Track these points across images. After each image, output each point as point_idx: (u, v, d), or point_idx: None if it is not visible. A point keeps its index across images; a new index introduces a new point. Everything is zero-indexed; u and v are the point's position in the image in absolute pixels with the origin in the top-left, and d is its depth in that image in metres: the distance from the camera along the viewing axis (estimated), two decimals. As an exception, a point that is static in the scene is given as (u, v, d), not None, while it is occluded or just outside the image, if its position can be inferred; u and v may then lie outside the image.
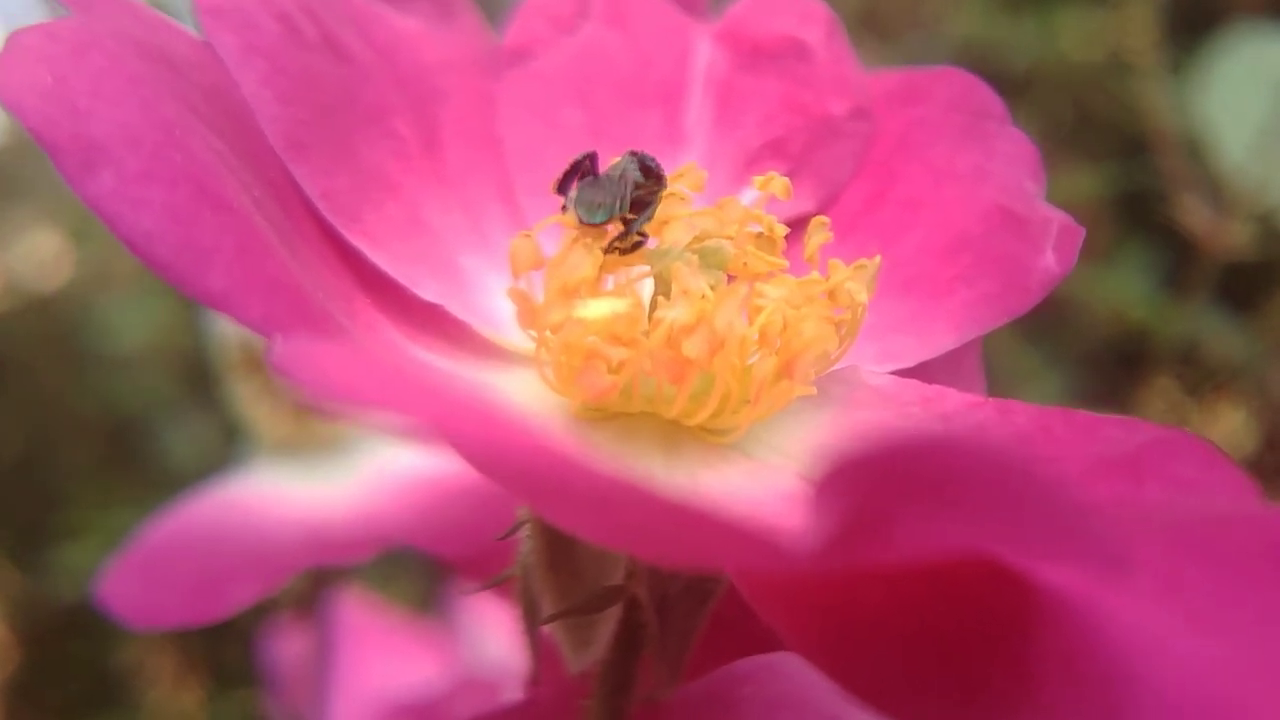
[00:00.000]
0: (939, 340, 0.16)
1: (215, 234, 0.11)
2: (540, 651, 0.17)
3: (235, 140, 0.13)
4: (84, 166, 0.10)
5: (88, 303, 0.81)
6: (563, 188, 0.15)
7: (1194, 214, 0.47)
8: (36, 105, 0.10)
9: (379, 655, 0.41)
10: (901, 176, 0.18)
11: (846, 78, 0.19)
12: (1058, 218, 0.17)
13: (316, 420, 0.31)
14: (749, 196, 0.16)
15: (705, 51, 0.19)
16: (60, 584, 0.66)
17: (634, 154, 0.14)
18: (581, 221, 0.14)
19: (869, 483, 0.07)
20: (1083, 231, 0.16)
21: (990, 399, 0.14)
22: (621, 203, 0.14)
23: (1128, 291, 0.56)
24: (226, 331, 0.33)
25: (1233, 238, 0.47)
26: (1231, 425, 0.61)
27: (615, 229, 0.14)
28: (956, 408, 0.14)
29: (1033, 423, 0.13)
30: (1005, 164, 0.18)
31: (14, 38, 0.11)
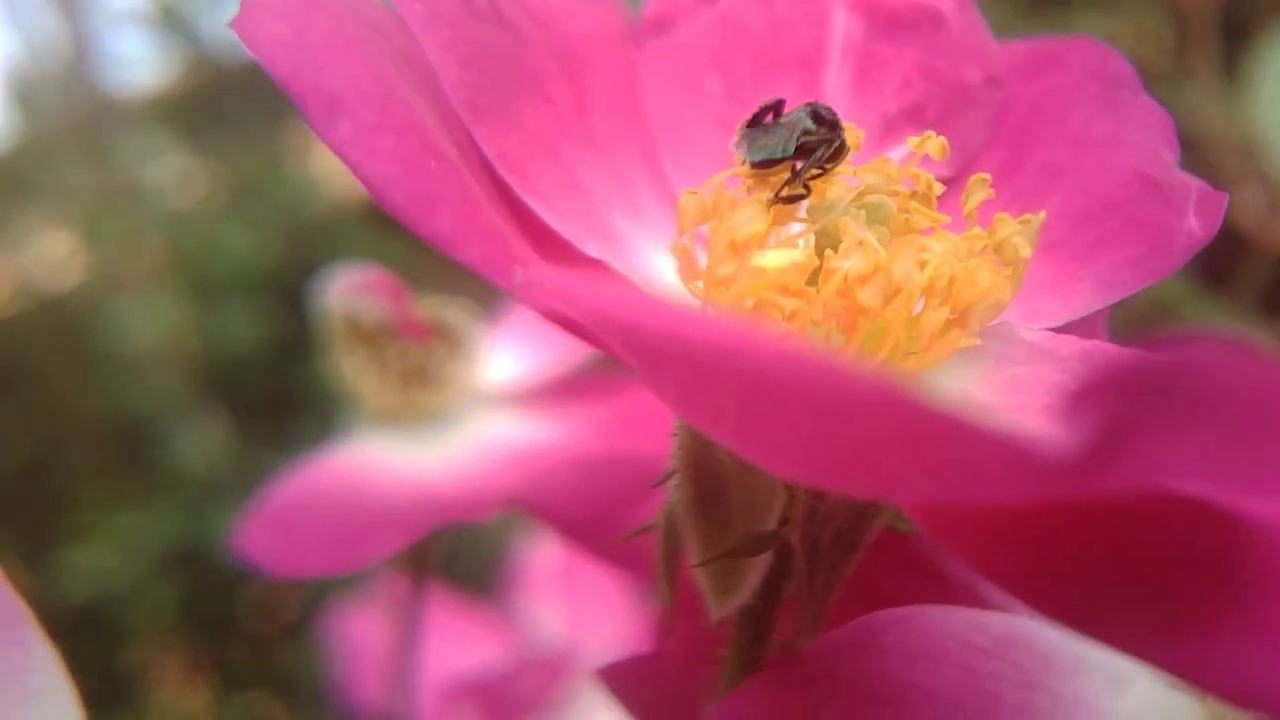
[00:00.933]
0: (1085, 301, 0.16)
1: (440, 181, 0.11)
2: (677, 602, 0.18)
3: (428, 101, 0.14)
4: (327, 116, 0.11)
5: (97, 305, 0.81)
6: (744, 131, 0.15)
7: (1244, 211, 0.47)
8: (284, 57, 0.11)
9: (443, 637, 0.42)
10: (1038, 143, 0.18)
11: (980, 46, 0.19)
12: (1196, 184, 0.17)
13: (421, 392, 0.32)
14: (898, 155, 0.17)
15: (842, 20, 0.19)
16: (69, 584, 0.67)
17: (810, 103, 0.15)
18: (746, 162, 0.15)
19: (1125, 400, 0.08)
20: (1226, 197, 0.17)
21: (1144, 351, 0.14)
22: (786, 146, 0.15)
23: (1173, 288, 0.56)
24: (331, 305, 0.34)
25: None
26: None
27: (782, 175, 0.15)
28: (1115, 358, 0.14)
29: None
30: (1142, 132, 0.18)
31: (250, -1, 0.12)
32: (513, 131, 0.16)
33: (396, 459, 0.29)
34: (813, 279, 0.14)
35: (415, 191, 0.11)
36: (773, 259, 0.13)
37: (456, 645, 0.44)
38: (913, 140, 0.16)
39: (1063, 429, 0.08)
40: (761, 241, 0.14)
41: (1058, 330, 0.16)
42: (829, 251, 0.14)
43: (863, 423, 0.09)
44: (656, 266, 0.16)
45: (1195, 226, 0.17)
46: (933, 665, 0.17)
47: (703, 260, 0.15)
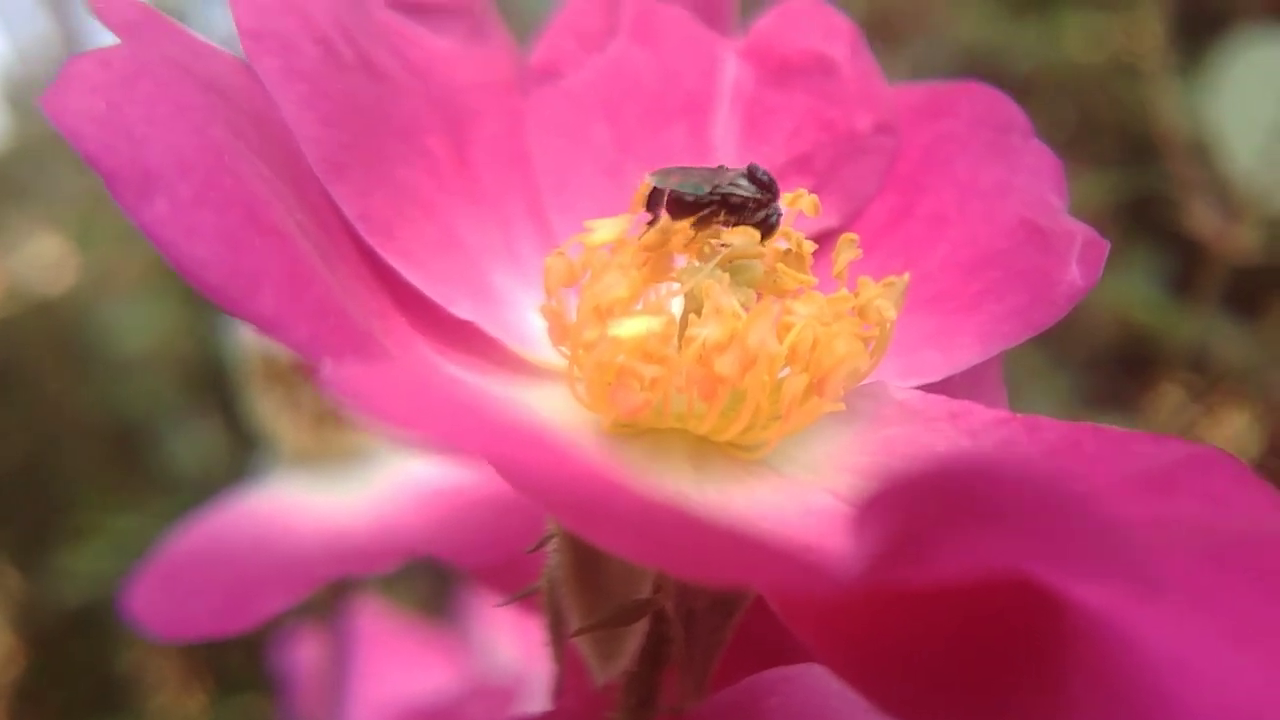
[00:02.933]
0: (965, 355, 0.16)
1: (264, 258, 0.11)
2: (566, 663, 0.17)
3: (278, 163, 0.13)
4: (140, 193, 0.11)
5: (91, 307, 0.81)
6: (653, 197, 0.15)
7: (1202, 218, 0.47)
8: (93, 133, 0.11)
9: (392, 661, 0.42)
10: (927, 191, 0.18)
11: (872, 93, 0.19)
12: (1081, 231, 0.17)
13: (336, 431, 0.32)
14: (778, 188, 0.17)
15: (732, 67, 0.19)
16: (64, 588, 0.66)
17: (750, 165, 0.15)
18: (674, 193, 0.15)
19: (912, 506, 0.07)
20: (1107, 245, 0.17)
21: (1017, 415, 0.14)
22: (700, 186, 0.14)
23: (1134, 295, 0.56)
24: (247, 343, 0.34)
25: (1241, 242, 0.46)
26: (1236, 429, 0.61)
27: (681, 222, 0.15)
28: (984, 423, 0.14)
29: (1062, 439, 0.13)
30: (1029, 178, 0.18)
31: (68, 67, 0.11)
32: (380, 189, 0.15)
33: (304, 503, 0.29)
34: (678, 344, 0.14)
35: (234, 271, 0.11)
36: (629, 328, 0.13)
37: (408, 670, 0.43)
38: (787, 197, 0.16)
39: (853, 538, 0.08)
40: (626, 306, 0.14)
41: (940, 383, 0.16)
42: (693, 316, 0.14)
43: (658, 540, 0.08)
44: (530, 325, 0.16)
45: (1076, 276, 0.16)
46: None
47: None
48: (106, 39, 0.13)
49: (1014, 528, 0.08)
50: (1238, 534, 0.10)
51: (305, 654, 0.41)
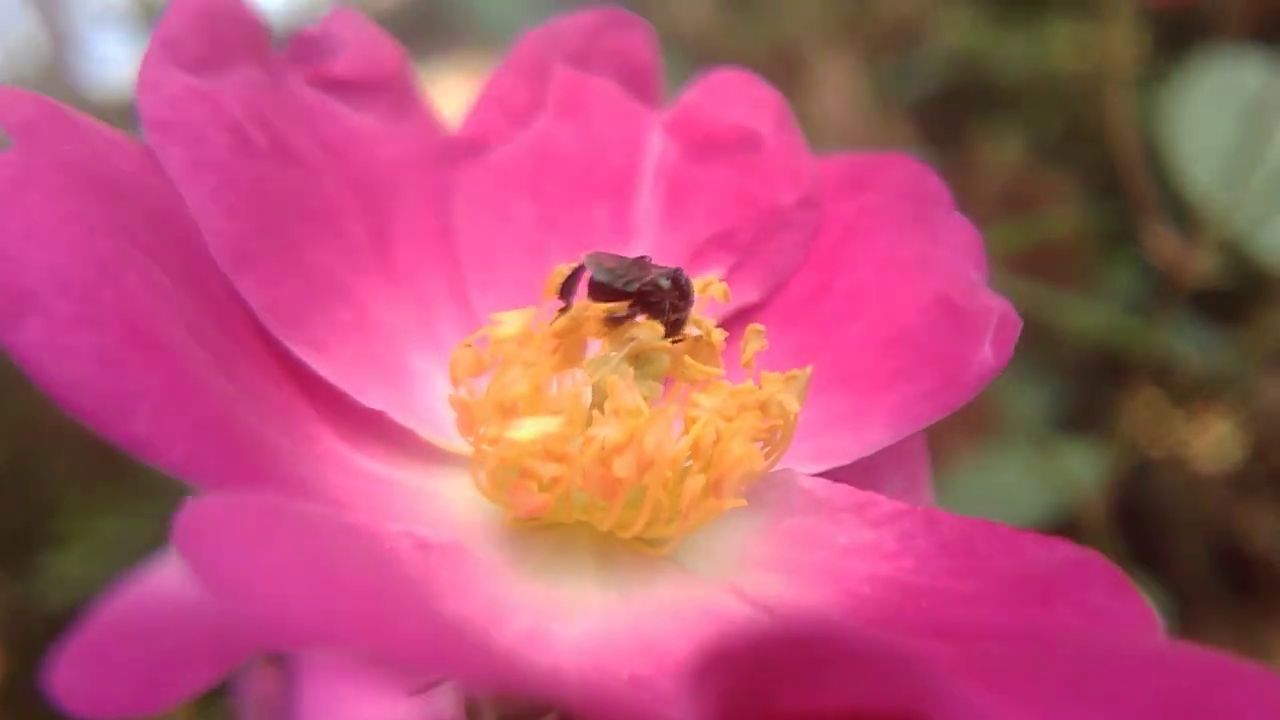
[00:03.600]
0: (875, 437, 0.16)
1: (142, 378, 0.11)
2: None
3: (177, 263, 0.13)
4: (12, 314, 0.11)
5: None
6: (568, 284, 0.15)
7: (1160, 241, 0.48)
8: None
9: (348, 692, 0.41)
10: (847, 265, 0.18)
11: (796, 167, 0.19)
12: (998, 307, 0.17)
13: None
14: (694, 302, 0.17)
15: (657, 142, 0.19)
16: (49, 591, 0.66)
17: (675, 269, 0.15)
18: (598, 281, 0.15)
19: (739, 672, 0.07)
20: (1020, 323, 0.17)
21: (918, 509, 0.14)
22: (630, 283, 0.14)
23: (1110, 307, 0.56)
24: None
25: (1199, 265, 0.47)
26: (1218, 436, 0.62)
27: (607, 310, 0.15)
28: (885, 515, 0.14)
29: (956, 536, 0.13)
30: (950, 252, 0.18)
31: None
32: (289, 277, 0.15)
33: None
34: (580, 442, 0.14)
35: (108, 393, 0.11)
36: (527, 430, 0.13)
37: (366, 702, 0.43)
38: (698, 283, 0.16)
39: (689, 702, 0.08)
40: (529, 402, 0.14)
41: (849, 466, 0.16)
42: (596, 412, 0.14)
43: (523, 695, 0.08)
44: (440, 412, 0.16)
45: (989, 355, 0.17)
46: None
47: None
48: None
49: (845, 683, 0.08)
50: (1103, 651, 0.10)
51: (262, 684, 0.41)
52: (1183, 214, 0.47)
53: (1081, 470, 0.46)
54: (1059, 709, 0.09)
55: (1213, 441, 0.61)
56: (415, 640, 0.09)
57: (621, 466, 0.13)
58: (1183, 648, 0.10)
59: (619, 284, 0.15)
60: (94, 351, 0.11)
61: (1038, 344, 0.60)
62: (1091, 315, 0.55)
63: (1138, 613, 0.11)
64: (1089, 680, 0.10)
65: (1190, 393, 0.60)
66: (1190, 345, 0.53)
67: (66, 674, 0.21)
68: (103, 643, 0.22)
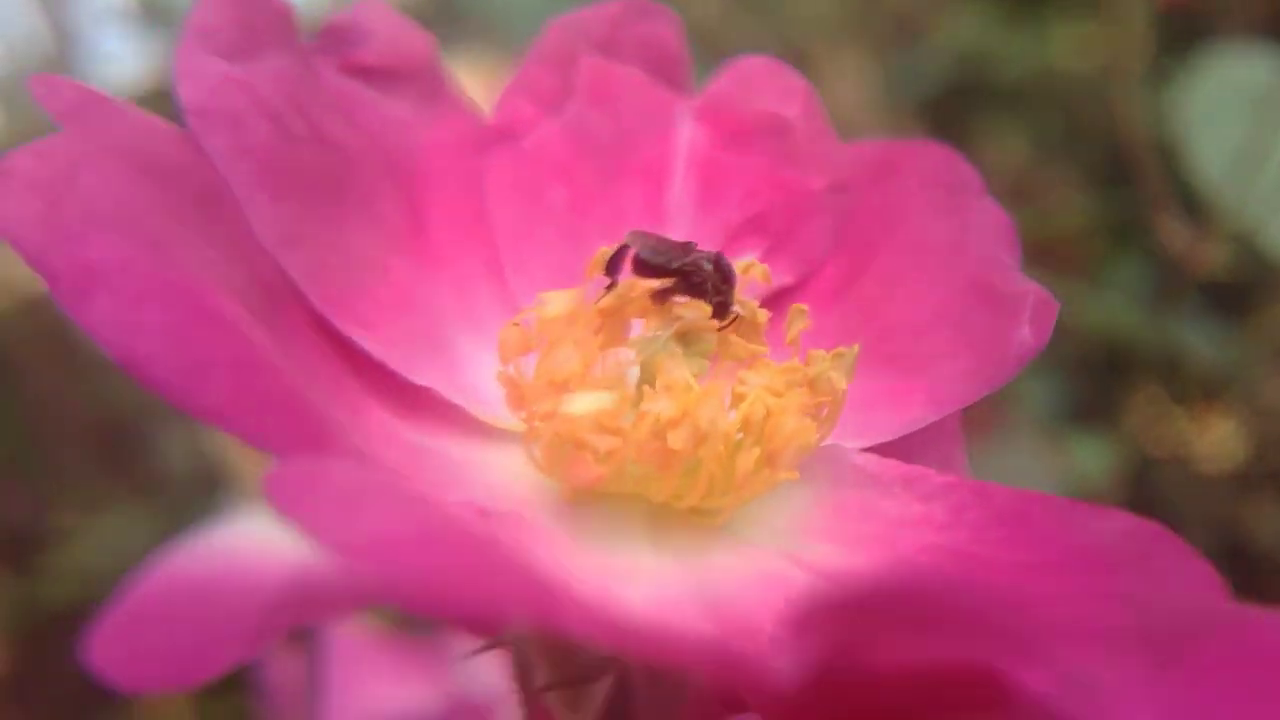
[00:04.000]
0: (917, 414, 0.16)
1: (211, 349, 0.11)
2: (533, 714, 0.17)
3: (226, 243, 0.14)
4: (80, 293, 0.11)
5: None
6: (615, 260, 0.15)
7: (1172, 233, 0.48)
8: (32, 235, 0.11)
9: (371, 676, 0.41)
10: (881, 251, 0.18)
11: (826, 152, 0.19)
12: (1033, 290, 0.17)
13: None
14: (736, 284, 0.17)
15: (687, 129, 0.19)
16: (51, 586, 0.66)
17: (717, 253, 0.15)
18: (642, 257, 0.15)
19: (841, 623, 0.07)
20: (1058, 305, 0.17)
21: (969, 481, 0.14)
22: (673, 261, 0.14)
23: (1116, 301, 0.57)
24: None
25: (1210, 257, 0.47)
26: (1221, 434, 0.62)
27: (643, 296, 0.15)
28: (936, 488, 0.14)
29: (1009, 505, 0.14)
30: (982, 237, 0.18)
31: (6, 162, 0.11)
32: (335, 260, 0.16)
33: (266, 547, 0.28)
34: (632, 417, 0.14)
35: (179, 365, 0.11)
36: (582, 405, 0.13)
37: (387, 684, 0.43)
38: (739, 265, 0.16)
39: (788, 651, 0.08)
40: (580, 379, 0.14)
41: (892, 443, 0.16)
42: (647, 388, 0.14)
43: (604, 641, 0.08)
44: (491, 389, 0.16)
45: (1028, 335, 0.17)
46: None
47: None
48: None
49: (945, 634, 0.08)
50: (1172, 615, 0.10)
51: (284, 667, 0.41)
52: (1192, 208, 0.48)
53: (1089, 464, 0.46)
54: (1153, 674, 0.09)
55: (1217, 439, 0.61)
56: (517, 591, 0.09)
57: (677, 439, 0.13)
58: (1258, 609, 0.10)
59: (663, 261, 0.15)
60: (162, 326, 0.11)
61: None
62: (1098, 309, 0.56)
63: (1206, 578, 0.11)
64: (1160, 643, 0.10)
65: (1194, 390, 0.60)
66: (1197, 340, 0.53)
67: (105, 645, 0.21)
68: (142, 614, 0.22)
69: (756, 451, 0.14)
